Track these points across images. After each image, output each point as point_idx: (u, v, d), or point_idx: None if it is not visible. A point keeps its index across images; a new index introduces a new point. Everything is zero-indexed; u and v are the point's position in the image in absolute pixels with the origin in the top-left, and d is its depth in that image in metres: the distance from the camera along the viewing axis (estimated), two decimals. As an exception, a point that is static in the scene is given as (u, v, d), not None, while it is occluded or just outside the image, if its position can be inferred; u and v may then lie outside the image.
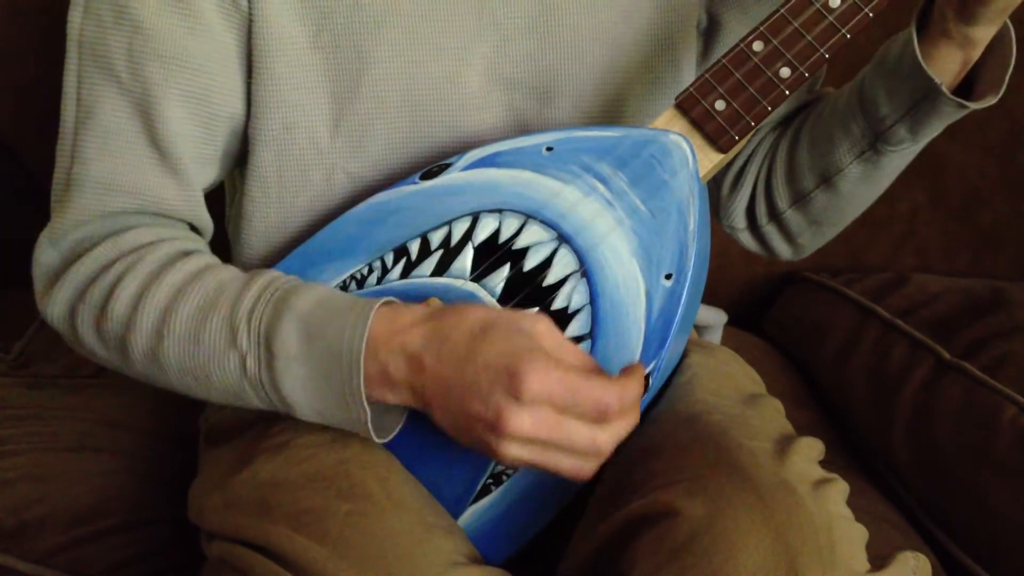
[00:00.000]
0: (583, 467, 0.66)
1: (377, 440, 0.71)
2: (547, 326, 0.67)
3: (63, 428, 1.00)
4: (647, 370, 0.75)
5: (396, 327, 0.68)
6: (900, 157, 0.86)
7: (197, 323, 0.71)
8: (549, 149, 0.77)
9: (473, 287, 0.77)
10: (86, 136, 0.75)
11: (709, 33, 0.90)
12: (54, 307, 0.75)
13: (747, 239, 0.98)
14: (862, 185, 0.88)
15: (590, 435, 0.65)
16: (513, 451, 0.65)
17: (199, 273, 0.74)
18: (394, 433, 0.72)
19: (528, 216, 0.76)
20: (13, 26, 1.20)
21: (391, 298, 0.70)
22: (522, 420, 0.63)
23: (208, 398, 0.75)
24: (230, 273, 0.75)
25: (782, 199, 0.92)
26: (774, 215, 0.94)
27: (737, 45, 0.78)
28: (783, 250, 0.97)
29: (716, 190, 0.97)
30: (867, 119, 0.84)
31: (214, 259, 0.77)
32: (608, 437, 0.65)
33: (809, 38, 0.77)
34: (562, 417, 0.64)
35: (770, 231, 0.95)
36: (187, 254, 0.76)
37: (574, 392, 0.64)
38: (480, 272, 0.77)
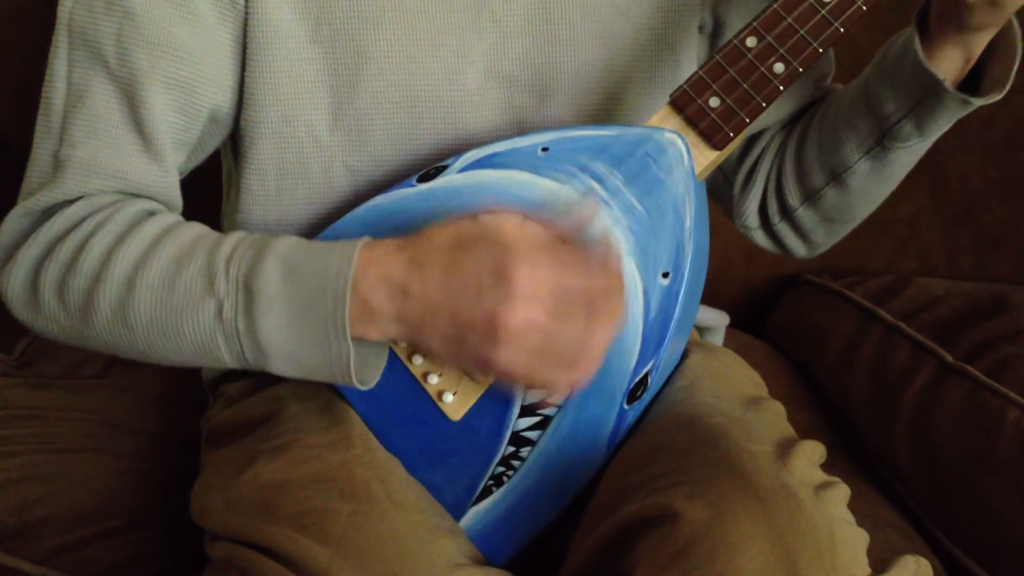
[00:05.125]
0: (576, 374, 0.67)
1: (357, 385, 0.70)
2: (512, 221, 0.68)
3: (65, 429, 1.00)
4: (645, 369, 0.75)
5: (372, 259, 0.68)
6: (909, 153, 0.86)
7: (172, 271, 0.70)
8: (545, 149, 0.77)
9: None
10: (75, 119, 0.75)
11: (714, 35, 0.90)
12: (19, 268, 0.73)
13: (761, 238, 0.98)
14: (872, 182, 0.88)
15: (583, 329, 0.66)
16: (509, 354, 0.65)
17: (175, 226, 0.74)
18: (371, 384, 0.72)
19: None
20: (13, 25, 1.20)
21: (368, 238, 0.70)
22: (515, 315, 0.64)
23: (172, 358, 0.73)
24: (206, 228, 0.75)
25: (793, 197, 0.92)
26: (786, 213, 0.94)
27: (730, 41, 0.78)
28: (797, 247, 0.97)
29: (728, 189, 0.97)
30: (873, 116, 0.84)
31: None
32: (600, 333, 0.66)
33: (802, 32, 0.77)
34: (553, 315, 0.65)
35: (783, 229, 0.95)
36: (160, 212, 0.76)
37: (561, 280, 0.65)
38: None
